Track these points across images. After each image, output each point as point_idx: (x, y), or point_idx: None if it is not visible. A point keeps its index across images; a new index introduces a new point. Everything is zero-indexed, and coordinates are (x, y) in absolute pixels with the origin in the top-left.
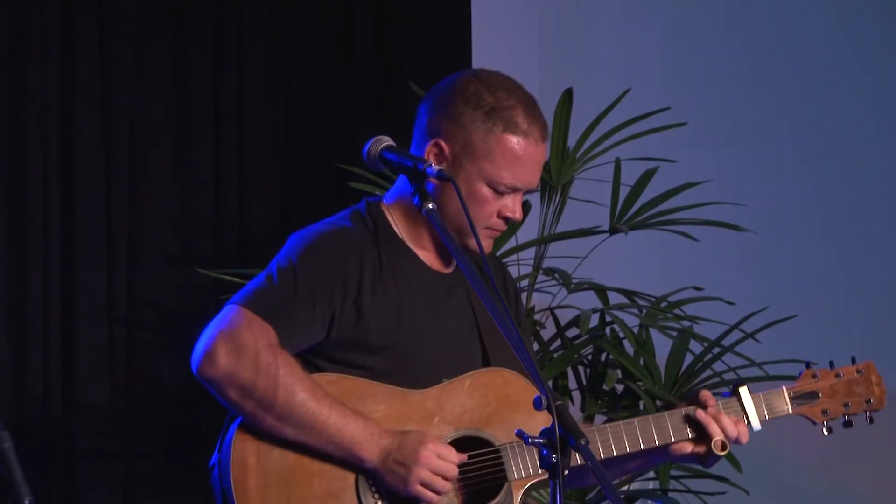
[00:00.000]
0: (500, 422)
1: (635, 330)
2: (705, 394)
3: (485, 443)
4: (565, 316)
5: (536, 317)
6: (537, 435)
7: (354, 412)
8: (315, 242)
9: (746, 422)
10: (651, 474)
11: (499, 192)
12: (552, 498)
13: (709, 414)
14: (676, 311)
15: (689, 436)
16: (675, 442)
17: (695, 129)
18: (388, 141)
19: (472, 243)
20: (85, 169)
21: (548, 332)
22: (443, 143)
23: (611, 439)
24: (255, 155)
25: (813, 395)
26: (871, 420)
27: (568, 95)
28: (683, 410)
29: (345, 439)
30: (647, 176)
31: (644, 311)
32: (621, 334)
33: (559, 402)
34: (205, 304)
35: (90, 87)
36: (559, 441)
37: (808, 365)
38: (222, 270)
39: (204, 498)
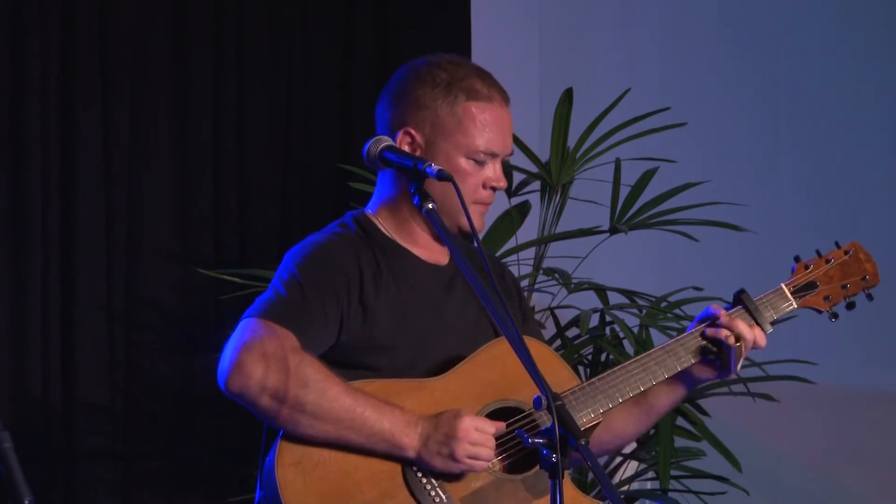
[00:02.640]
0: (525, 386)
1: (635, 330)
2: (715, 306)
3: (516, 410)
4: (565, 316)
5: (536, 317)
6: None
7: (388, 404)
8: (311, 251)
9: (757, 325)
10: (651, 474)
11: (478, 162)
12: (552, 498)
13: (722, 322)
14: (676, 311)
15: (711, 354)
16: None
17: (694, 129)
18: (388, 141)
19: (462, 221)
20: (84, 168)
21: (548, 332)
22: (412, 131)
23: (635, 376)
24: (255, 155)
25: (811, 286)
26: (871, 297)
27: (568, 95)
28: (697, 333)
29: (385, 430)
30: (647, 176)
31: (644, 311)
32: (621, 334)
33: (559, 402)
34: (204, 304)
35: (90, 86)
36: (559, 441)
37: (796, 259)
38: (222, 270)
39: (204, 499)
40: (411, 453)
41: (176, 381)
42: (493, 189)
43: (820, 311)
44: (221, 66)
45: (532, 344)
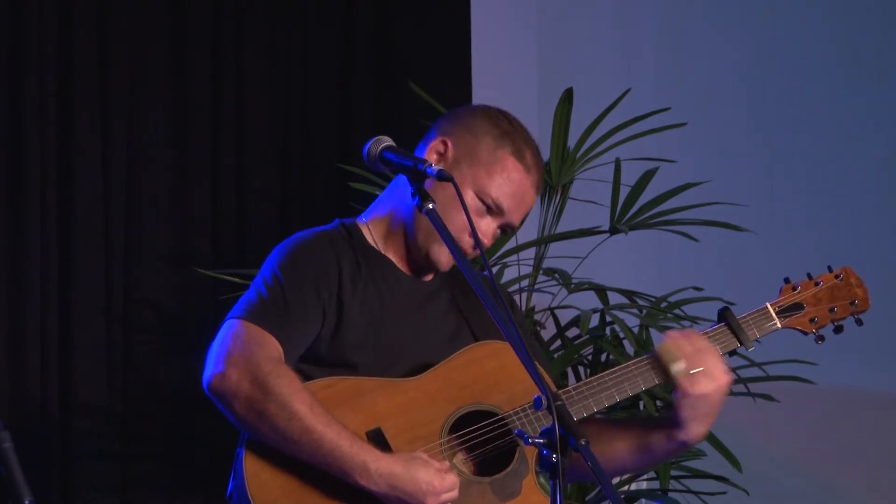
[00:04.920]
0: (500, 391)
1: (635, 330)
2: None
3: (489, 414)
4: (565, 316)
5: (536, 317)
6: (538, 434)
7: (350, 435)
8: (292, 249)
9: (739, 345)
10: (651, 474)
11: (483, 205)
12: (552, 498)
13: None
14: (676, 311)
15: (657, 380)
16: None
17: (694, 129)
18: (387, 141)
19: (438, 253)
20: (83, 169)
21: (548, 332)
22: (449, 143)
23: (589, 399)
24: (255, 155)
25: (798, 307)
26: (860, 322)
27: (568, 95)
28: (646, 357)
29: (335, 460)
30: (647, 176)
31: (644, 311)
32: (621, 334)
33: (559, 402)
34: (203, 304)
35: (88, 87)
36: (559, 441)
37: (786, 280)
38: (220, 270)
39: (202, 499)
40: (367, 489)
41: (174, 382)
42: (476, 244)
43: (805, 333)
44: (220, 66)
45: (505, 347)
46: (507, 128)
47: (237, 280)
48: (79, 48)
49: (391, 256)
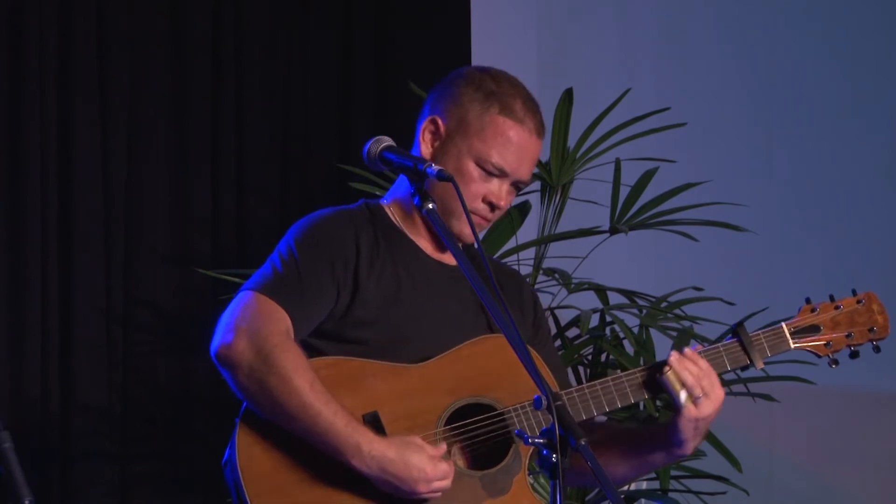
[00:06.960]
0: (502, 386)
1: (635, 330)
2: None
3: (488, 408)
4: (565, 316)
5: None
6: (538, 434)
7: (347, 416)
8: (312, 224)
9: (749, 362)
10: (651, 474)
11: (486, 172)
12: (552, 498)
13: (666, 370)
14: (676, 311)
15: (646, 395)
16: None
17: (694, 129)
18: (388, 141)
19: (460, 227)
20: (82, 169)
21: None
22: (439, 120)
23: (578, 403)
24: (254, 155)
25: (814, 329)
26: (878, 349)
27: (568, 95)
28: (645, 369)
29: (329, 438)
30: (647, 176)
31: (644, 311)
32: (621, 334)
33: (559, 402)
34: (203, 304)
35: (88, 87)
36: (559, 441)
37: (807, 301)
38: (220, 271)
39: (202, 500)
40: (360, 472)
41: (174, 382)
42: (492, 207)
43: (819, 356)
44: (220, 65)
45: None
46: (490, 87)
47: (237, 280)
48: (79, 48)
49: (414, 237)
